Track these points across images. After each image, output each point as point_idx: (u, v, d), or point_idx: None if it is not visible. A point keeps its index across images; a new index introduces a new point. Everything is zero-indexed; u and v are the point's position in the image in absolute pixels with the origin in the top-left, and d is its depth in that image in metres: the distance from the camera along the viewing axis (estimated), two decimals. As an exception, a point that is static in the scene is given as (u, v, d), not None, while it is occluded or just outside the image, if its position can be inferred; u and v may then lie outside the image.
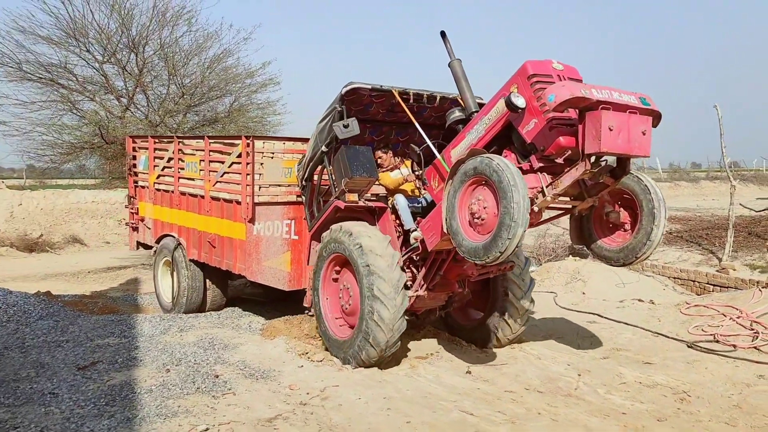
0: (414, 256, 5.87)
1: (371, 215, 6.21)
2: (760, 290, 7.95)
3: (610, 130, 4.33)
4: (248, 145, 7.11)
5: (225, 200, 7.71)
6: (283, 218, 7.22)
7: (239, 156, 7.27)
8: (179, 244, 8.62)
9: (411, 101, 6.22)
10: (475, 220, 4.77)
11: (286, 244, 7.20)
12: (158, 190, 9.27)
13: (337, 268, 6.20)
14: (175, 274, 8.65)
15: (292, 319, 7.51)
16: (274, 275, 7.25)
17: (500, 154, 5.01)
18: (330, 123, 5.94)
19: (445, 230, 4.98)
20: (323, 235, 6.28)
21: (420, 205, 6.08)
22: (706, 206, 22.78)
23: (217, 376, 5.48)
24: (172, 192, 8.85)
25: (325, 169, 6.33)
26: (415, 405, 4.90)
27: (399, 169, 6.52)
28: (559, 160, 4.82)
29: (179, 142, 8.73)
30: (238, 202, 7.37)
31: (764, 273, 9.58)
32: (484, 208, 4.69)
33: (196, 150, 8.36)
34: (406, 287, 5.71)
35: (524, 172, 4.80)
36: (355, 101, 6.31)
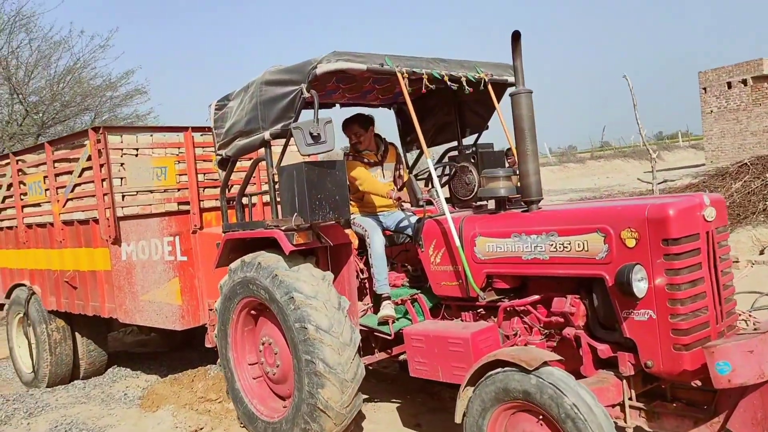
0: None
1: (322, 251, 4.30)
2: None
3: None
4: (99, 141, 5.46)
5: (80, 222, 5.99)
6: (162, 234, 5.57)
7: (90, 158, 5.61)
8: (33, 293, 6.73)
9: (424, 89, 4.13)
10: None
11: (171, 268, 5.55)
12: (0, 229, 7.31)
13: (253, 313, 4.46)
14: (31, 333, 6.72)
15: (180, 377, 5.97)
16: (159, 312, 5.63)
17: (558, 293, 3.42)
18: (287, 109, 3.98)
19: None
20: (230, 268, 4.43)
21: (401, 227, 4.52)
22: (605, 184, 23.03)
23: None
24: (17, 228, 6.94)
25: (262, 162, 4.41)
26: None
27: (382, 165, 4.68)
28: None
29: (17, 160, 6.81)
30: (96, 221, 5.72)
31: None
32: None
33: (39, 165, 6.51)
34: (359, 351, 4.00)
35: (597, 359, 3.25)
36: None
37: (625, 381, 3.18)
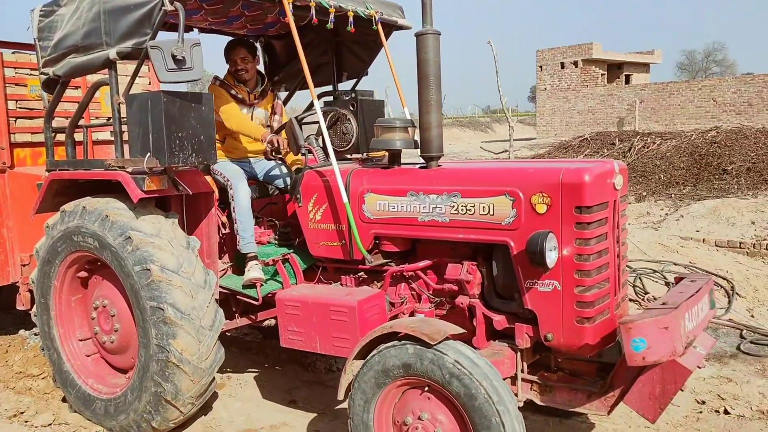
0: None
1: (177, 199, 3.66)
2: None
3: None
4: None
5: None
6: None
7: None
8: None
9: (315, 19, 3.55)
10: None
11: None
12: None
13: (81, 275, 3.76)
14: None
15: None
16: None
17: (453, 258, 3.12)
18: (141, 23, 3.22)
19: None
20: (47, 224, 3.71)
21: (271, 177, 4.02)
22: (449, 151, 23.71)
23: None
24: None
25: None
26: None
27: (254, 107, 4.11)
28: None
29: None
30: None
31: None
32: None
33: None
34: (216, 297, 3.49)
35: (490, 330, 2.99)
36: None
37: (519, 353, 2.98)
